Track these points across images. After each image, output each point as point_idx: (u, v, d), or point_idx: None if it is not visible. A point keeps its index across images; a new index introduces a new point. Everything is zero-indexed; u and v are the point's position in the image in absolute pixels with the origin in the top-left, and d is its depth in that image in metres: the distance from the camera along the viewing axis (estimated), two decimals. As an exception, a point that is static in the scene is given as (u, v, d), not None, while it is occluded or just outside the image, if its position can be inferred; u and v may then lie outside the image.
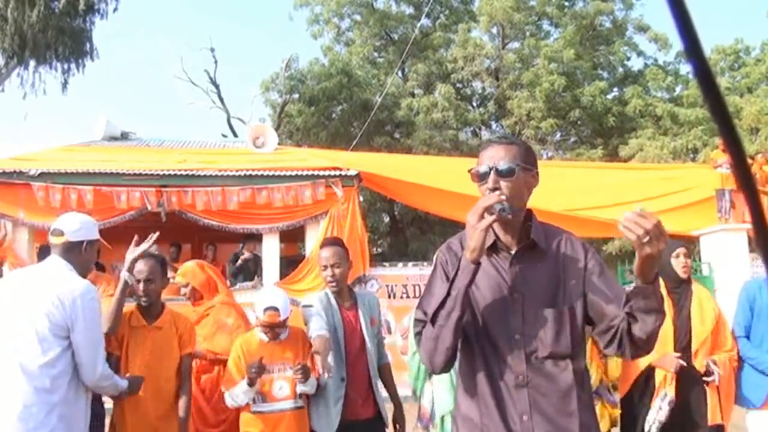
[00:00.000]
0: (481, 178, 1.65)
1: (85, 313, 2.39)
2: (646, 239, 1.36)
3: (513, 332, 1.60)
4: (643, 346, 1.55)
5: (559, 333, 1.59)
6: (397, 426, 3.17)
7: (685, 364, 3.05)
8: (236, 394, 2.91)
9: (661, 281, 3.27)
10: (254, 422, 2.97)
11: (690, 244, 11.95)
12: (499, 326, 1.61)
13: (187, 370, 3.05)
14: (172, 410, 2.96)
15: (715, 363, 3.08)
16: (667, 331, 3.14)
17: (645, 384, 3.15)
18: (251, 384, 2.86)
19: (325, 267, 3.04)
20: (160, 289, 3.05)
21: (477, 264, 1.54)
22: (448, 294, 1.55)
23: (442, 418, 2.85)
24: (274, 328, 3.03)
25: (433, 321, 1.57)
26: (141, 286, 2.96)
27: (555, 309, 1.60)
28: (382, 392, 3.16)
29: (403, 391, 3.37)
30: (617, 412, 3.21)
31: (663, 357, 3.09)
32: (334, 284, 3.03)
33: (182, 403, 2.98)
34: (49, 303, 2.35)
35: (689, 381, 3.09)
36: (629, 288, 1.53)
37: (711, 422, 3.06)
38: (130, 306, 3.05)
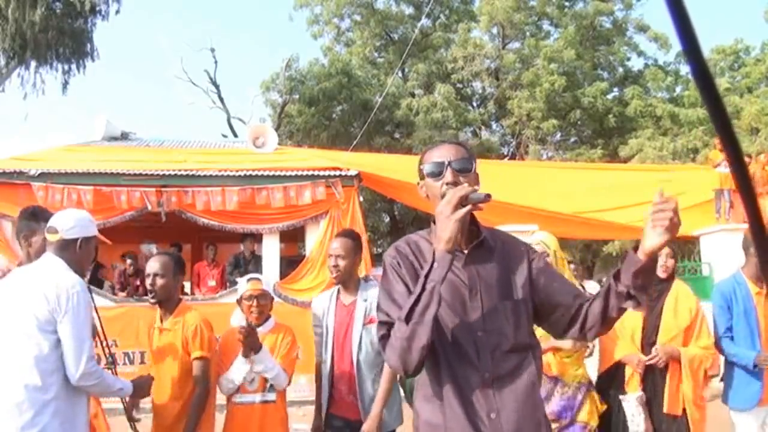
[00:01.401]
0: (435, 174, 1.66)
1: (70, 305, 2.35)
2: (666, 225, 1.42)
3: (475, 329, 1.61)
4: (611, 325, 1.64)
5: (518, 325, 1.63)
6: None
7: (647, 360, 3.15)
8: (232, 372, 2.92)
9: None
10: (232, 413, 2.99)
11: (690, 244, 11.97)
12: (460, 326, 1.62)
13: (200, 374, 2.91)
14: (180, 412, 2.91)
15: (656, 351, 3.15)
16: (636, 326, 3.23)
17: (615, 373, 3.26)
18: (245, 355, 2.87)
19: (330, 256, 3.02)
20: (171, 286, 2.98)
21: (452, 254, 1.55)
22: (423, 289, 1.52)
23: None
24: (259, 301, 3.00)
25: (407, 319, 1.53)
26: (149, 281, 2.94)
27: (511, 302, 1.65)
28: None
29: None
30: (603, 406, 3.24)
31: (630, 355, 3.19)
32: (336, 275, 3.00)
33: (192, 407, 2.89)
34: (35, 299, 2.35)
35: (653, 376, 3.19)
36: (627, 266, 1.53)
37: (668, 411, 3.12)
38: (136, 303, 3.06)
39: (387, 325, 1.61)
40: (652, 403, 3.16)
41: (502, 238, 1.77)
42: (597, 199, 9.79)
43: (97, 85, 46.30)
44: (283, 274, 8.56)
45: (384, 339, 1.62)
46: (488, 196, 1.52)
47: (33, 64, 15.74)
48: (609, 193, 9.93)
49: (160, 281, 2.92)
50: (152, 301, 2.96)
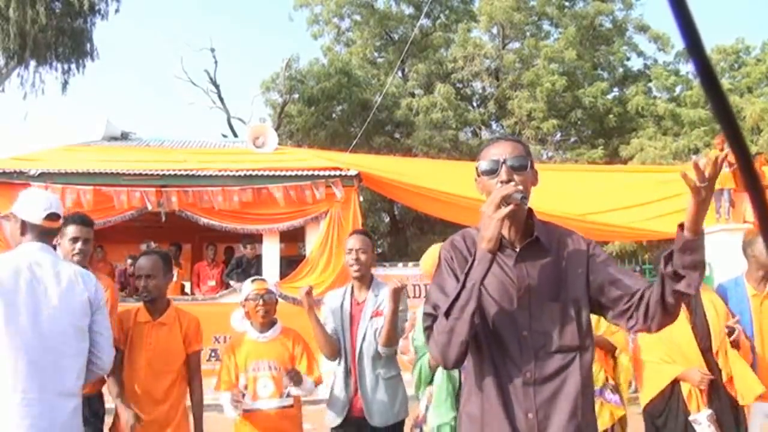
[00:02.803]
0: (490, 171, 1.66)
1: (101, 296, 2.37)
2: (705, 184, 1.37)
3: (520, 329, 1.61)
4: (674, 311, 1.54)
5: (565, 326, 1.62)
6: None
7: (713, 377, 3.01)
8: (223, 402, 2.97)
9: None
10: (242, 421, 2.98)
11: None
12: (506, 324, 1.62)
13: (196, 368, 3.06)
14: (178, 406, 2.97)
15: (733, 326, 3.03)
16: (687, 335, 3.10)
17: (670, 395, 3.08)
18: (235, 406, 2.91)
19: (350, 251, 3.02)
20: (162, 285, 3.03)
21: (493, 254, 1.55)
22: (463, 286, 1.54)
23: (438, 428, 2.81)
24: (265, 300, 3.04)
25: (447, 314, 1.55)
26: (141, 281, 2.97)
27: (560, 302, 1.63)
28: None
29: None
30: (621, 411, 3.20)
31: (689, 371, 3.04)
32: (357, 268, 3.02)
33: (195, 399, 3.00)
34: (76, 293, 2.27)
35: (717, 388, 3.05)
36: (668, 250, 1.50)
37: (743, 403, 3.03)
38: (136, 303, 3.06)
39: (432, 318, 1.63)
40: (720, 418, 3.01)
41: (561, 235, 1.74)
42: (597, 201, 9.78)
43: (97, 85, 46.32)
44: (283, 274, 8.55)
45: (428, 330, 1.64)
46: (524, 198, 1.54)
47: (33, 64, 15.73)
48: (609, 195, 9.93)
49: (152, 281, 2.96)
50: (146, 299, 2.98)
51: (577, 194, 9.82)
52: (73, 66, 16.36)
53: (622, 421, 3.26)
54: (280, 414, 2.98)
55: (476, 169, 1.72)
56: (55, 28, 15.13)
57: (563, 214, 9.13)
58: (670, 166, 14.57)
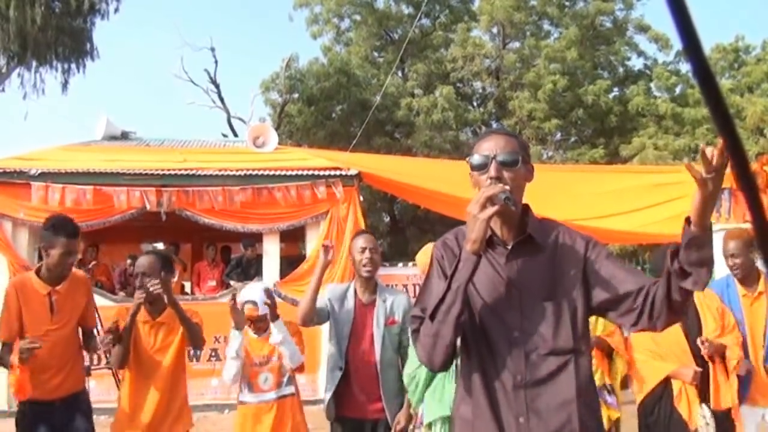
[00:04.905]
0: (480, 167, 1.61)
1: None
2: (711, 175, 1.29)
3: (511, 330, 1.55)
4: (682, 309, 1.48)
5: (559, 327, 1.55)
6: (398, 425, 3.10)
7: (700, 369, 3.03)
8: (230, 345, 3.00)
9: None
10: (244, 412, 3.04)
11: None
12: (496, 324, 1.57)
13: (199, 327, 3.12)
14: (177, 399, 3.03)
15: (704, 341, 3.01)
16: (677, 334, 3.10)
17: (662, 392, 3.10)
18: (238, 328, 2.97)
19: (364, 249, 3.00)
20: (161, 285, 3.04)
21: (478, 256, 1.50)
22: (449, 288, 1.50)
23: (430, 424, 2.81)
24: (255, 322, 3.10)
25: (432, 317, 1.51)
26: (138, 280, 3.03)
27: (554, 303, 1.56)
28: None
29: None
30: (616, 414, 3.20)
31: (682, 368, 3.05)
32: (370, 268, 3.00)
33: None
34: None
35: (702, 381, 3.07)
36: (678, 243, 1.41)
37: (716, 407, 3.02)
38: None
39: (420, 320, 1.59)
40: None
41: (558, 233, 1.67)
42: (597, 206, 9.75)
43: (97, 85, 46.35)
44: (284, 274, 8.55)
45: (415, 333, 1.60)
46: (508, 199, 1.48)
47: (33, 64, 15.71)
48: (609, 199, 9.90)
49: (148, 281, 2.99)
50: (141, 298, 2.99)
51: (578, 199, 9.78)
52: (73, 66, 16.33)
53: (617, 423, 3.26)
54: (280, 404, 3.03)
55: (469, 163, 1.67)
56: (55, 28, 15.09)
57: (564, 218, 9.09)
58: (672, 165, 14.56)
